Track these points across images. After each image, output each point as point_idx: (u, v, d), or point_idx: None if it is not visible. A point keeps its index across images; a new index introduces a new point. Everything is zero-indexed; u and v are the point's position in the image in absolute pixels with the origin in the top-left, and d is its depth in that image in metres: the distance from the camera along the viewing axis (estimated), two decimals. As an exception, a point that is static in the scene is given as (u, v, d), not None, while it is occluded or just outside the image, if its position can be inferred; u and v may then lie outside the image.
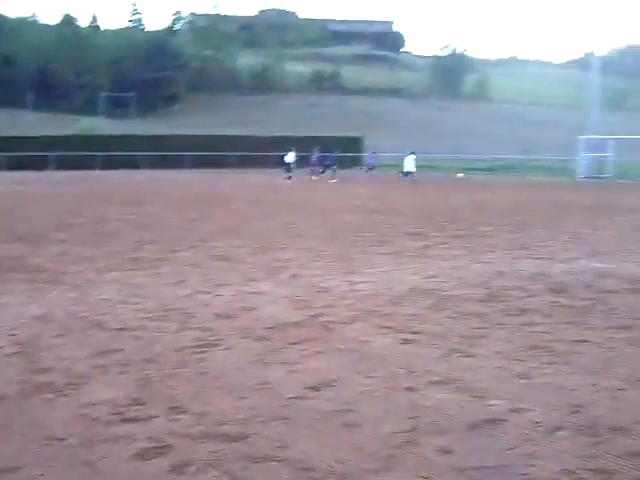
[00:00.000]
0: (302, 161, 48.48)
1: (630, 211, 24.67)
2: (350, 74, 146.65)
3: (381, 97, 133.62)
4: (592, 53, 65.59)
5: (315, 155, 49.31)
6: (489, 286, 10.60)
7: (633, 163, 58.91)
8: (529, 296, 9.93)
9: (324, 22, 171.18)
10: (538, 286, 10.64)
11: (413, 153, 44.21)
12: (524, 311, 8.99)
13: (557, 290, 10.33)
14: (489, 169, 62.79)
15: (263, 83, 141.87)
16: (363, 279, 11.12)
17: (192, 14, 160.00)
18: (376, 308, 9.15)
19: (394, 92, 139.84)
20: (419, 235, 16.93)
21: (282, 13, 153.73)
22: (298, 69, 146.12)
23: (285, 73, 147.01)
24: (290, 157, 46.07)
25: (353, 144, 65.80)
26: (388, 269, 12.09)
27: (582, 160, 55.32)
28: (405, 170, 44.03)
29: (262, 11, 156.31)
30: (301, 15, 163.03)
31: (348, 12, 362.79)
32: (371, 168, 50.99)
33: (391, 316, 8.73)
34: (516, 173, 59.76)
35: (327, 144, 52.02)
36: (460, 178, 52.61)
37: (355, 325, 8.33)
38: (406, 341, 7.62)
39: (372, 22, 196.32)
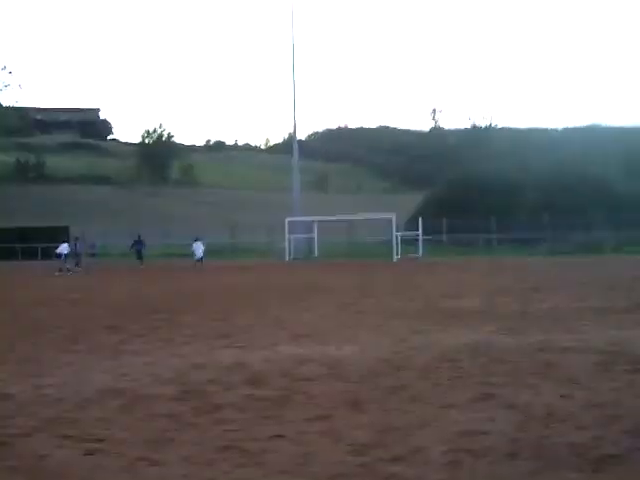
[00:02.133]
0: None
1: (331, 291, 25.24)
2: (56, 163, 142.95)
3: (89, 185, 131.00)
4: (293, 137, 67.81)
5: (79, 245, 47.74)
6: (184, 381, 10.05)
7: (336, 242, 61.41)
8: (225, 390, 9.50)
9: (28, 110, 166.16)
10: (235, 378, 10.23)
11: (198, 239, 45.70)
12: (218, 407, 8.52)
13: (253, 381, 9.97)
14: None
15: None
16: (50, 381, 10.23)
17: None
18: (61, 414, 8.39)
19: (102, 180, 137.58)
20: (116, 328, 16.10)
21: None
22: (0, 159, 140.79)
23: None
24: (63, 248, 44.54)
25: (60, 234, 63.97)
26: (78, 368, 11.25)
27: (289, 242, 56.84)
28: (196, 257, 45.52)
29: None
30: (4, 103, 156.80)
31: (53, 100, 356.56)
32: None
33: (76, 423, 7.99)
34: (225, 257, 60.46)
35: (33, 235, 50.26)
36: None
37: (35, 437, 7.53)
38: (89, 451, 6.94)
39: (78, 110, 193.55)
